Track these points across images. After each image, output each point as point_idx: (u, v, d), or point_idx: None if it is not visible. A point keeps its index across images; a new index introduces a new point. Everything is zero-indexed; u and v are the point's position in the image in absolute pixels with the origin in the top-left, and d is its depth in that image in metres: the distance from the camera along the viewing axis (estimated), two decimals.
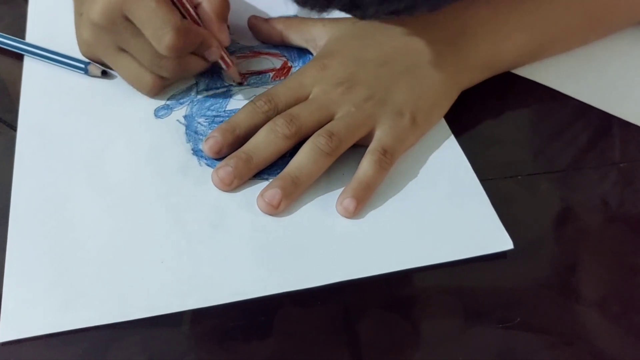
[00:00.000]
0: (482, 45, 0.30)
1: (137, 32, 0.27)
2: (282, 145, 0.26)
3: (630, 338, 0.24)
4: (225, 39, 0.30)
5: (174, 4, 0.28)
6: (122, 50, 0.29)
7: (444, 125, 0.30)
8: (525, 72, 0.34)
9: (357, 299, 0.24)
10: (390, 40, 0.30)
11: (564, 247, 0.27)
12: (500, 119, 0.32)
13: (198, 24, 0.29)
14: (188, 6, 0.28)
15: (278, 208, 0.25)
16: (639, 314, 0.24)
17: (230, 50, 0.32)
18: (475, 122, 0.31)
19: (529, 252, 0.26)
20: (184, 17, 0.28)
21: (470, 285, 0.25)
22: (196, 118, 0.30)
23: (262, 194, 0.25)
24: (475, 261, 0.25)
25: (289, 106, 0.27)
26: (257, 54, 0.33)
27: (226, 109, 0.30)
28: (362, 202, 0.25)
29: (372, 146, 0.26)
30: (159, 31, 0.26)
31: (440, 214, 0.26)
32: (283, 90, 0.28)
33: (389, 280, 0.24)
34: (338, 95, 0.27)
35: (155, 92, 0.30)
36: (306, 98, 0.28)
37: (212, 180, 0.26)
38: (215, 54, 0.29)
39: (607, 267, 0.26)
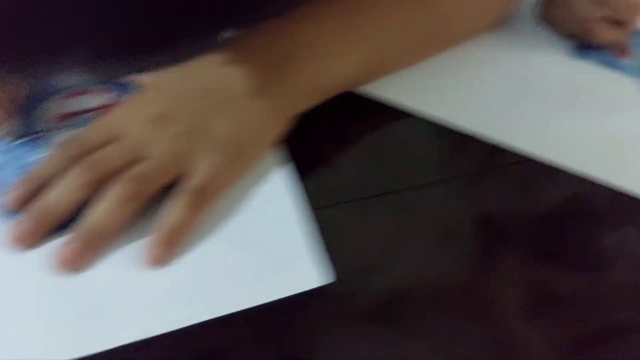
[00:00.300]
0: (310, 69, 0.29)
1: None
2: (84, 195, 0.24)
3: None
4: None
5: None
6: None
7: (275, 155, 0.28)
8: (366, 89, 0.33)
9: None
10: (210, 69, 0.28)
11: (397, 275, 0.26)
12: (339, 140, 0.31)
13: None
14: None
15: (77, 265, 0.23)
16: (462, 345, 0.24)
17: (52, 90, 0.30)
18: (313, 146, 0.30)
19: (357, 282, 0.25)
20: None
21: (282, 326, 0.23)
22: (8, 169, 0.27)
23: (58, 252, 0.23)
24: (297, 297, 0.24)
25: (99, 148, 0.25)
26: (80, 93, 0.31)
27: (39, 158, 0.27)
28: (171, 249, 0.23)
29: (185, 185, 0.25)
30: None
31: (258, 252, 0.25)
32: (92, 131, 0.26)
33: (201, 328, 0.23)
34: (151, 132, 0.25)
35: None
36: (118, 138, 0.26)
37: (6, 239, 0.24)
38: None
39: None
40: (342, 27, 0.31)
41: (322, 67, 0.29)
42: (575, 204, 0.30)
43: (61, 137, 0.29)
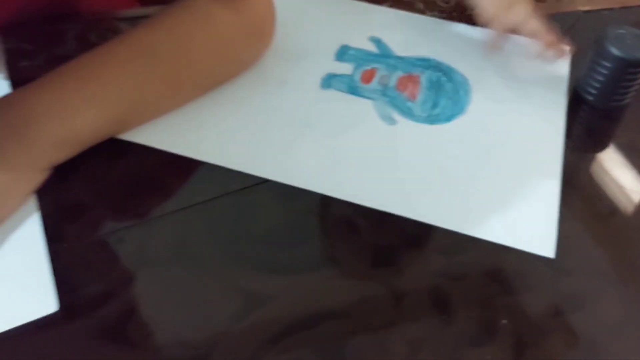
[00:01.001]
0: (50, 128, 0.33)
1: None
2: None
3: None
4: None
5: None
6: None
7: (28, 205, 0.33)
8: (130, 136, 0.39)
9: None
10: None
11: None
12: (94, 181, 0.36)
13: None
14: None
15: None
16: None
17: None
18: (70, 189, 0.35)
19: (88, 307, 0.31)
20: None
21: None
22: None
23: None
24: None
25: None
26: None
27: None
28: None
29: None
30: None
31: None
32: None
33: None
34: None
35: None
36: None
37: None
38: None
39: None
40: (78, 89, 0.35)
41: (62, 125, 0.34)
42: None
43: None
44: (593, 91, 0.46)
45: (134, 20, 0.46)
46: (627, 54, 0.43)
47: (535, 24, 0.46)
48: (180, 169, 0.38)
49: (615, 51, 0.43)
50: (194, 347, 0.30)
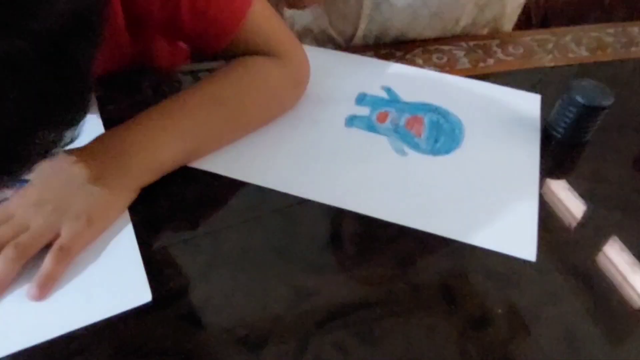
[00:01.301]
0: (141, 158, 0.40)
1: None
2: None
3: None
4: None
5: None
6: None
7: (125, 219, 0.39)
8: (198, 164, 0.44)
9: None
10: (70, 166, 0.38)
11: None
12: (173, 201, 0.42)
13: None
14: None
15: None
16: None
17: None
18: (152, 207, 0.41)
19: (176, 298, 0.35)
20: None
21: None
22: None
23: None
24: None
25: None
26: None
27: None
28: (45, 289, 0.34)
29: (55, 244, 0.35)
30: None
31: (101, 284, 0.35)
32: None
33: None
34: (32, 212, 0.36)
35: None
36: (10, 218, 0.36)
37: None
38: None
39: None
40: (160, 127, 0.41)
41: (150, 157, 0.40)
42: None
43: None
44: (561, 130, 0.51)
45: (194, 73, 0.54)
46: (588, 102, 0.48)
47: None
48: (237, 190, 0.44)
49: (579, 99, 0.48)
50: (256, 329, 0.35)
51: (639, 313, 0.39)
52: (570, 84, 0.50)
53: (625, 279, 0.41)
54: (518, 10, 0.70)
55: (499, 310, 0.37)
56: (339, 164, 0.47)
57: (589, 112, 0.49)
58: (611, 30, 0.68)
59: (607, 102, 0.49)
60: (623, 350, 0.36)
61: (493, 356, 0.35)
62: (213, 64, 0.53)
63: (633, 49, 0.66)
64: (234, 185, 0.44)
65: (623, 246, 0.43)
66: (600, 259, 0.42)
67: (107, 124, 0.45)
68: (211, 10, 0.43)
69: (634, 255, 0.42)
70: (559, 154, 0.51)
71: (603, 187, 0.48)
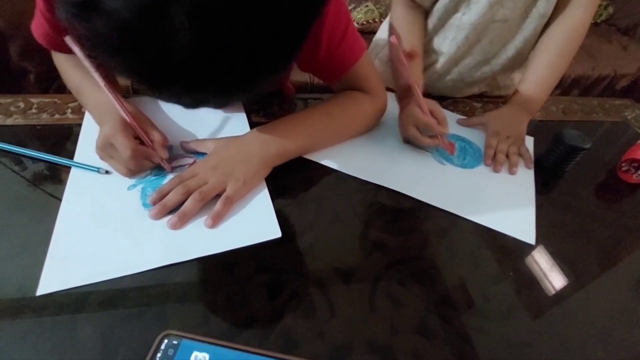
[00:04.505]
0: (275, 148, 0.41)
1: (116, 150, 0.37)
2: (182, 198, 0.36)
3: None
4: (163, 154, 0.39)
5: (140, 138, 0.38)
6: (111, 157, 0.38)
7: (263, 185, 0.41)
8: (309, 157, 0.46)
9: None
10: (236, 144, 0.41)
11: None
12: (296, 180, 0.43)
13: (149, 146, 0.39)
14: (146, 138, 0.39)
15: (176, 227, 0.35)
16: None
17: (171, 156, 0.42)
18: (281, 181, 0.42)
19: (293, 238, 0.37)
20: (142, 143, 0.38)
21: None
22: (148, 189, 0.39)
23: (170, 220, 0.35)
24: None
25: (188, 180, 0.38)
26: (180, 157, 0.43)
27: (163, 184, 0.40)
28: (216, 221, 0.36)
29: (223, 195, 0.37)
30: (123, 151, 0.36)
31: (245, 221, 0.37)
32: (186, 174, 0.39)
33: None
34: (210, 173, 0.38)
35: (128, 176, 0.39)
36: (195, 175, 0.38)
37: (153, 217, 0.35)
38: (156, 160, 0.39)
39: None
40: (290, 129, 0.43)
41: (284, 146, 0.42)
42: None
43: (170, 175, 0.41)
44: (550, 162, 0.51)
45: (305, 100, 0.55)
46: (572, 143, 0.49)
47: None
48: (333, 175, 0.45)
49: (566, 141, 0.49)
50: (345, 265, 0.36)
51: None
52: (561, 131, 0.50)
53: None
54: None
55: (511, 273, 0.38)
56: (402, 166, 0.47)
57: (572, 151, 0.49)
58: (580, 101, 0.69)
59: (587, 145, 0.49)
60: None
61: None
62: (315, 95, 0.56)
63: (594, 115, 0.66)
64: (332, 172, 0.45)
65: (588, 236, 0.42)
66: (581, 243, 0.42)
67: (251, 124, 0.48)
68: (340, 50, 0.43)
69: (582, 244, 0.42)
70: (547, 177, 0.51)
71: (575, 200, 0.48)
